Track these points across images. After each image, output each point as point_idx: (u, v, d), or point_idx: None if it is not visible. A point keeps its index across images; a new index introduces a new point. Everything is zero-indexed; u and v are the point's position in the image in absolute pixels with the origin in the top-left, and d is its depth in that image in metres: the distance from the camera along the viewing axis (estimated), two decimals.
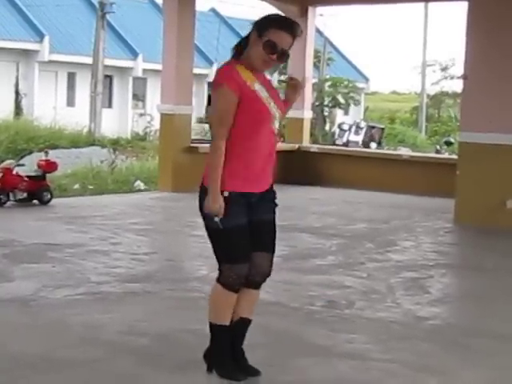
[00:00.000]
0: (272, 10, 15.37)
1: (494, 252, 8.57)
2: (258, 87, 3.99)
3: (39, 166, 10.54)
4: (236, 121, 3.96)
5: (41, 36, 31.54)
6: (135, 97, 35.30)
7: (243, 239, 4.05)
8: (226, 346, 4.17)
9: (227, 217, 3.97)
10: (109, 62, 30.54)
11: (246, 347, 4.27)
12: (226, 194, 3.97)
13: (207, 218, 4.04)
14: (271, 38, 3.94)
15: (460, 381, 4.48)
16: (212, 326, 4.17)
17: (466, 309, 6.29)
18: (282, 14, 4.23)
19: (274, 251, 4.19)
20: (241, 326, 4.22)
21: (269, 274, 4.19)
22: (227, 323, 4.14)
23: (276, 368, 4.41)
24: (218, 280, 4.11)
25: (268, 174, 4.12)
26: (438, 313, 5.91)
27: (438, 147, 22.37)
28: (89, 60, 29.66)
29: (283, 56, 4.00)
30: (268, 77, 4.18)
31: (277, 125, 4.09)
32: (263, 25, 3.99)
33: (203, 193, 4.04)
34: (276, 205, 4.21)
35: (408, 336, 5.22)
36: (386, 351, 4.84)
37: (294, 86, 4.22)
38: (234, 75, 3.94)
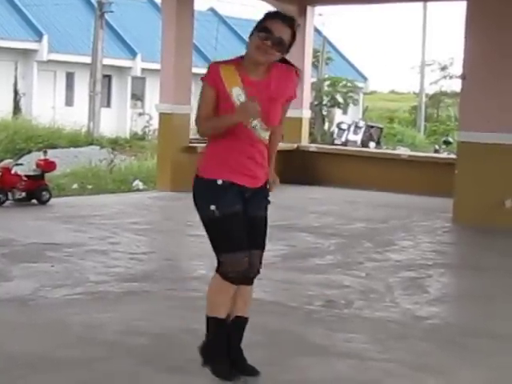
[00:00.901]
0: (270, 9, 15.39)
1: (492, 251, 8.57)
2: (235, 91, 4.03)
3: (38, 166, 10.54)
4: (217, 113, 4.08)
5: (39, 35, 31.52)
6: (134, 96, 35.28)
7: (240, 227, 4.05)
8: (222, 341, 4.16)
9: (222, 204, 4.00)
10: (107, 61, 30.51)
11: (245, 347, 4.27)
12: (219, 181, 4.02)
13: (201, 208, 4.06)
14: (264, 25, 4.00)
15: (458, 380, 4.48)
16: (208, 319, 4.16)
17: (464, 308, 6.29)
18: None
19: (264, 248, 4.20)
20: (237, 324, 4.22)
21: (259, 271, 4.18)
22: (223, 316, 4.13)
23: (275, 367, 4.41)
24: (218, 271, 4.09)
25: (258, 173, 4.12)
26: (437, 312, 5.91)
27: (436, 147, 22.41)
28: (87, 59, 29.64)
29: (280, 44, 4.00)
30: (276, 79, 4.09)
31: (260, 133, 4.09)
32: (259, 21, 4.05)
33: (198, 184, 4.11)
34: (268, 202, 4.22)
35: (406, 335, 5.22)
36: (385, 351, 4.85)
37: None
38: (213, 73, 4.07)
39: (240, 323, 4.23)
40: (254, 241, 4.12)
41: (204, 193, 4.07)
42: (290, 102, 4.24)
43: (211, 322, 4.16)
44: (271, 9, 15.21)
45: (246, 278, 4.13)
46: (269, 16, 4.06)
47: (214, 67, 4.10)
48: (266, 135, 4.13)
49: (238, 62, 4.09)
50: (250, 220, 4.11)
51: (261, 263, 4.18)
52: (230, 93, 4.03)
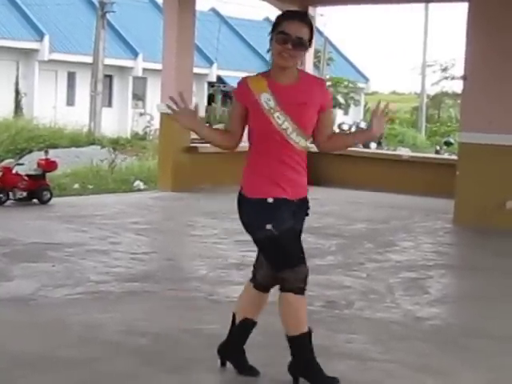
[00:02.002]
0: (272, 9, 15.38)
1: (493, 252, 8.57)
2: (264, 98, 3.98)
3: (39, 165, 10.55)
4: (250, 127, 4.08)
5: (41, 35, 31.56)
6: (135, 96, 35.32)
7: (297, 240, 4.02)
8: (312, 354, 4.11)
9: (278, 222, 3.92)
10: (109, 61, 30.57)
11: (246, 347, 4.28)
12: (270, 200, 3.94)
13: (256, 229, 3.97)
14: (281, 30, 3.98)
15: (459, 381, 4.48)
16: (294, 339, 4.07)
17: (465, 309, 6.29)
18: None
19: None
20: (246, 326, 4.25)
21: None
22: (306, 329, 4.08)
23: (275, 368, 4.40)
24: (284, 289, 3.98)
25: (299, 181, 4.05)
26: (438, 313, 5.91)
27: (437, 147, 22.41)
28: (89, 59, 29.69)
29: (300, 45, 3.96)
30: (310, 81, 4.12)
31: (293, 137, 3.98)
32: (274, 25, 4.05)
33: (246, 205, 4.01)
34: (307, 214, 4.17)
35: (407, 336, 5.22)
36: (385, 351, 4.84)
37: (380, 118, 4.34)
38: (242, 88, 4.09)
39: (249, 326, 4.25)
40: None
41: (256, 213, 3.97)
42: (326, 112, 4.11)
43: (299, 340, 4.08)
44: (272, 9, 15.20)
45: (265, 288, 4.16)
46: (283, 18, 4.02)
47: (243, 81, 4.11)
48: (302, 142, 4.02)
49: (266, 72, 4.10)
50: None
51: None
52: (258, 99, 3.99)
